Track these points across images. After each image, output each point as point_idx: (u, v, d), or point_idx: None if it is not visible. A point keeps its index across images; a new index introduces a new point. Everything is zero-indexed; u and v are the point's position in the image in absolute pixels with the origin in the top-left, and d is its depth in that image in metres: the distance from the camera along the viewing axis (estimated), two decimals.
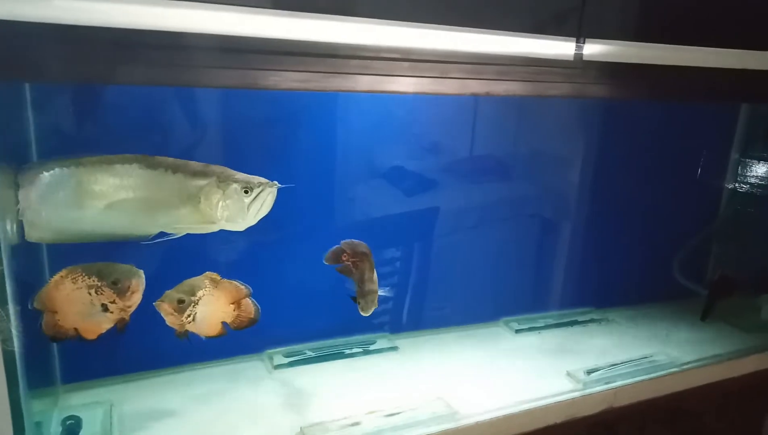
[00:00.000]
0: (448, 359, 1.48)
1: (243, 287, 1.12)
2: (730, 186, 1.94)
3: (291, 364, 1.39)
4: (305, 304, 1.42)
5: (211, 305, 1.10)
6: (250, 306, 1.13)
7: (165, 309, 1.07)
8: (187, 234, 1.03)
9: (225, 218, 1.02)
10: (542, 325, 1.70)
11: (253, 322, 1.13)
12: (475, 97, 1.48)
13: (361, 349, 1.48)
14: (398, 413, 1.20)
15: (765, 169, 1.86)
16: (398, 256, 1.57)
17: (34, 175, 0.94)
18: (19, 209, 0.93)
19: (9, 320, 0.85)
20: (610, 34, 1.14)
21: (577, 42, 1.11)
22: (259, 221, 1.04)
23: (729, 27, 1.28)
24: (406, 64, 1.00)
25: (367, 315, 1.19)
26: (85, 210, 0.97)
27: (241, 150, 1.28)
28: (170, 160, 1.00)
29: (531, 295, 1.80)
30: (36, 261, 1.09)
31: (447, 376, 1.39)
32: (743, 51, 1.27)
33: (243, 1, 0.83)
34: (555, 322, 1.72)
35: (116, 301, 1.01)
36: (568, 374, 1.42)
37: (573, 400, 1.34)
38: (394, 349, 1.51)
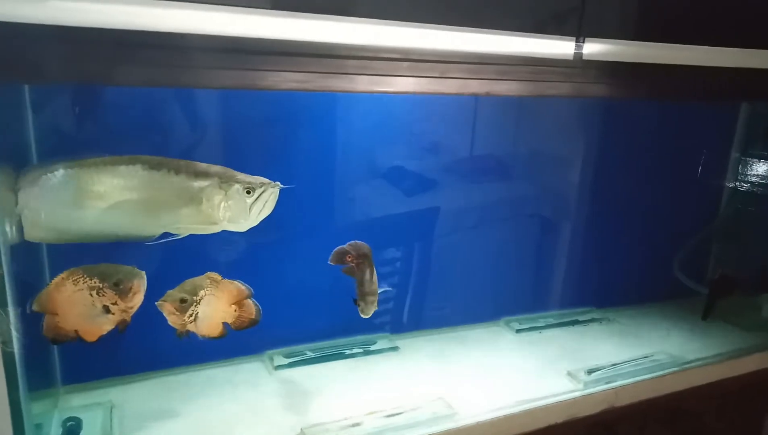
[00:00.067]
0: (448, 359, 1.48)
1: (244, 288, 1.12)
2: (731, 185, 1.94)
3: (291, 365, 1.39)
4: (305, 305, 1.41)
5: (213, 305, 1.10)
6: (251, 306, 1.13)
7: (167, 309, 1.07)
8: (188, 234, 1.03)
9: (227, 219, 1.02)
10: (543, 324, 1.70)
11: (254, 322, 1.13)
12: (475, 97, 1.48)
13: (361, 350, 1.48)
14: (399, 413, 1.20)
15: (765, 168, 1.86)
16: (399, 256, 1.57)
17: (37, 177, 0.94)
18: (19, 210, 0.93)
19: (9, 321, 0.85)
20: (610, 33, 1.14)
21: (576, 41, 1.11)
22: (259, 221, 1.04)
23: (728, 26, 1.28)
24: (405, 64, 1.00)
25: (367, 317, 1.19)
26: (89, 210, 0.97)
27: (241, 150, 1.28)
28: (173, 160, 1.00)
29: (532, 295, 1.80)
30: (36, 262, 1.09)
31: (448, 377, 1.39)
32: (742, 50, 1.27)
33: (242, 2, 0.83)
34: (556, 321, 1.72)
35: (118, 302, 1.01)
36: (569, 374, 1.42)
37: (574, 400, 1.34)
38: (394, 349, 1.51)
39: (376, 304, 1.19)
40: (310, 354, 1.43)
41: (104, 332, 1.02)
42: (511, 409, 1.27)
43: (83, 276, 0.99)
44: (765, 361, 1.62)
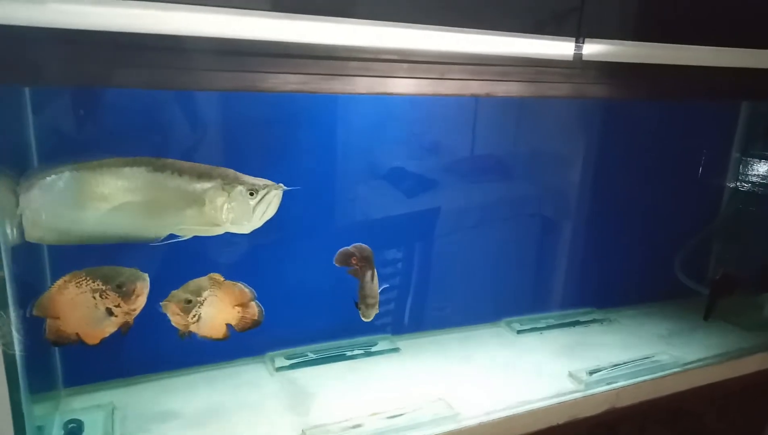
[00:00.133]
0: (449, 360, 1.48)
1: (248, 291, 1.11)
2: (731, 185, 1.94)
3: (292, 366, 1.39)
4: (306, 306, 1.41)
5: (216, 307, 1.10)
6: (254, 308, 1.12)
7: (172, 309, 1.07)
8: (192, 236, 1.03)
9: (230, 221, 1.01)
10: (544, 325, 1.70)
11: (256, 323, 1.13)
12: (475, 98, 1.48)
13: (362, 351, 1.48)
14: (400, 415, 1.20)
15: (766, 168, 1.86)
16: (399, 257, 1.57)
17: (40, 178, 0.94)
18: (20, 211, 0.93)
19: (10, 323, 0.85)
20: (610, 33, 1.14)
21: (576, 42, 1.11)
22: (262, 223, 1.04)
23: (728, 26, 1.28)
24: (405, 65, 1.00)
25: (368, 320, 1.19)
26: (92, 212, 0.97)
27: (241, 151, 1.28)
28: (177, 162, 1.00)
29: (532, 296, 1.80)
30: (37, 264, 1.10)
31: (449, 377, 1.39)
32: (742, 49, 1.27)
33: (241, 4, 0.83)
34: (557, 322, 1.72)
35: (121, 304, 1.01)
36: (570, 375, 1.42)
37: (575, 401, 1.34)
38: (395, 350, 1.51)
39: (377, 307, 1.20)
40: (311, 355, 1.43)
41: (106, 335, 1.02)
42: (513, 410, 1.27)
43: (86, 278, 0.99)
44: (766, 361, 1.62)
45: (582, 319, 1.76)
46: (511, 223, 1.70)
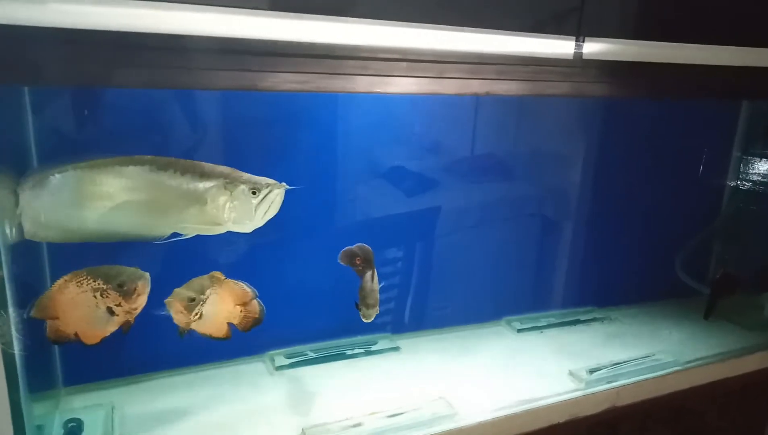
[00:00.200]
0: (450, 359, 1.48)
1: (249, 290, 1.11)
2: (732, 184, 1.94)
3: (292, 365, 1.39)
4: (307, 305, 1.42)
5: (217, 305, 1.10)
6: (255, 306, 1.12)
7: (176, 307, 1.07)
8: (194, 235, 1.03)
9: (232, 220, 1.01)
10: (544, 324, 1.70)
11: (257, 322, 1.13)
12: (475, 97, 1.48)
13: (362, 350, 1.48)
14: (400, 414, 1.20)
15: (766, 167, 1.86)
16: (399, 256, 1.57)
17: (42, 177, 0.94)
18: (20, 210, 0.93)
19: (10, 323, 0.85)
20: (610, 32, 1.14)
21: (576, 41, 1.11)
22: (264, 222, 1.04)
23: (728, 24, 1.28)
24: (404, 64, 1.00)
25: (369, 321, 1.19)
26: (94, 211, 0.97)
27: (241, 150, 1.28)
28: (179, 161, 0.99)
29: (533, 295, 1.80)
30: (37, 263, 1.10)
31: (449, 376, 1.39)
32: (742, 48, 1.27)
33: (240, 3, 0.83)
34: (557, 321, 1.72)
35: (122, 303, 1.01)
36: (571, 374, 1.42)
37: (575, 400, 1.34)
38: (395, 349, 1.51)
39: (377, 308, 1.19)
40: (311, 354, 1.43)
41: (107, 334, 1.02)
42: (513, 409, 1.27)
43: (87, 277, 0.99)
44: (767, 360, 1.62)
45: (582, 317, 1.76)
46: (512, 222, 1.70)
